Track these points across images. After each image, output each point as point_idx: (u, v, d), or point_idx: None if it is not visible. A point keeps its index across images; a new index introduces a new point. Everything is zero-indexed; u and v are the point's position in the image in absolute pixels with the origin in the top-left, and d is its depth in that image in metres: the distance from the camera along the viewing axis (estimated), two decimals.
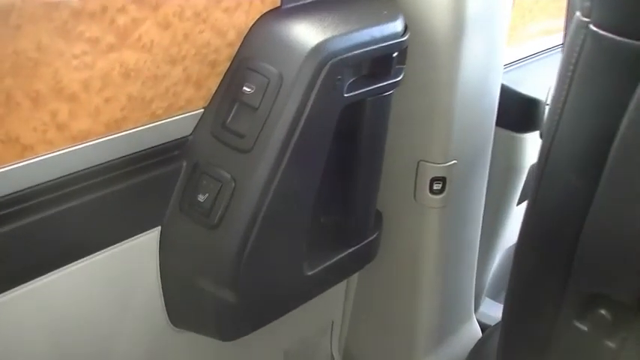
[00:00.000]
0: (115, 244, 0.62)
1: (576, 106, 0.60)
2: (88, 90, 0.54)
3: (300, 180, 0.65)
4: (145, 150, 0.61)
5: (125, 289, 0.67)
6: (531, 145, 1.02)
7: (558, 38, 1.15)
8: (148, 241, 0.66)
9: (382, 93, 0.70)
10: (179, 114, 0.62)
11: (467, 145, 0.86)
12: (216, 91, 0.63)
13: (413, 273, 0.94)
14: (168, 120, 0.61)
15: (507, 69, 0.96)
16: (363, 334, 1.05)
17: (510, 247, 1.21)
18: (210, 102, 0.64)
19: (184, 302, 0.70)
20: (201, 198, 0.63)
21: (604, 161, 0.58)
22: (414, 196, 0.87)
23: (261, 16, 0.63)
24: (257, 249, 0.64)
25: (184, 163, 0.65)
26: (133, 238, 0.64)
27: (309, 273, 0.74)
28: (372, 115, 0.71)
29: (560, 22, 1.21)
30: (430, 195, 0.86)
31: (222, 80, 0.63)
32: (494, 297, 1.31)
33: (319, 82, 0.61)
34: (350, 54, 0.63)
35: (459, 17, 0.75)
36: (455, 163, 0.85)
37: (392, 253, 0.92)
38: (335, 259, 0.78)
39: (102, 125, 0.56)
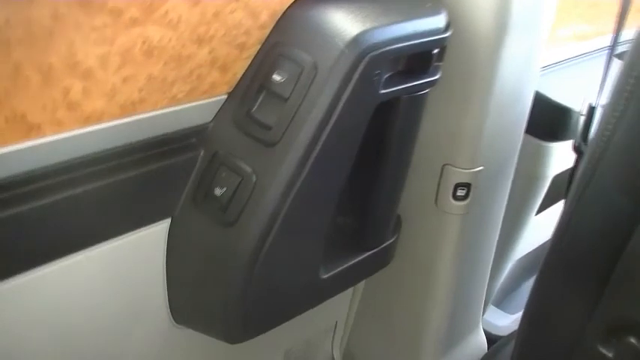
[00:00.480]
0: (122, 234, 0.57)
1: (635, 124, 0.56)
2: (106, 67, 0.48)
3: (326, 180, 0.60)
4: (160, 136, 0.56)
5: (129, 281, 0.62)
6: (558, 155, 0.97)
7: (593, 44, 1.10)
8: (157, 233, 0.61)
9: (418, 91, 0.65)
10: (201, 99, 0.56)
11: (495, 152, 0.81)
12: (242, 76, 0.58)
13: (425, 279, 0.89)
14: (189, 105, 0.56)
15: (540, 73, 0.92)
16: (366, 337, 1.01)
17: (522, 257, 1.18)
18: (235, 88, 0.58)
19: (190, 300, 0.65)
20: (217, 192, 0.58)
21: None
22: (436, 200, 0.82)
23: (297, 0, 0.57)
24: (274, 251, 0.60)
25: (202, 152, 0.60)
26: (140, 229, 0.59)
27: (324, 276, 0.70)
28: (405, 115, 0.66)
29: (597, 27, 1.16)
30: (453, 201, 0.82)
31: (250, 65, 0.58)
32: (497, 304, 1.28)
33: (356, 75, 0.56)
34: (390, 47, 0.57)
35: (503, 17, 0.69)
36: (481, 170, 0.80)
37: (405, 257, 0.87)
38: (351, 263, 0.73)
39: (117, 107, 0.50)
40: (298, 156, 0.57)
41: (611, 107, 0.58)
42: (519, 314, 1.31)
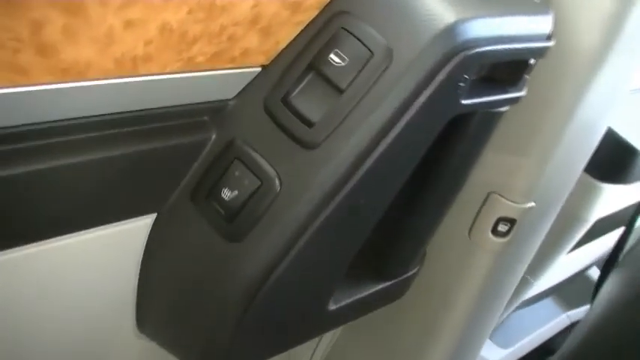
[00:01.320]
0: (93, 227, 0.43)
1: None
2: (103, 1, 0.33)
3: (369, 202, 0.46)
4: (162, 107, 0.41)
5: (93, 280, 0.47)
6: (607, 198, 0.85)
7: None
8: (135, 230, 0.46)
9: (499, 107, 0.51)
10: (226, 68, 0.41)
11: (551, 188, 0.68)
12: (286, 47, 0.43)
13: (434, 313, 0.77)
14: (209, 73, 0.41)
15: None
16: (351, 353, 0.89)
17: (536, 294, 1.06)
18: (273, 61, 0.43)
19: (164, 315, 0.51)
20: (226, 194, 0.44)
21: None
22: (470, 230, 0.69)
23: None
24: (283, 280, 0.45)
25: (213, 136, 0.45)
26: (117, 223, 0.44)
27: (332, 308, 0.56)
28: (475, 133, 0.52)
29: None
30: (491, 236, 0.68)
31: (300, 34, 0.43)
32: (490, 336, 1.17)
33: (441, 76, 0.41)
34: (489, 48, 0.43)
35: (612, 36, 0.55)
36: (532, 207, 0.67)
37: (419, 284, 0.74)
38: (365, 294, 0.59)
39: (110, 60, 0.35)
40: (342, 168, 0.42)
41: None
42: (511, 349, 1.21)
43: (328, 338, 0.88)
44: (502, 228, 0.69)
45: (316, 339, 0.86)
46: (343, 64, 0.41)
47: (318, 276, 0.50)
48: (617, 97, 0.67)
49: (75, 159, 0.38)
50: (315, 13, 0.42)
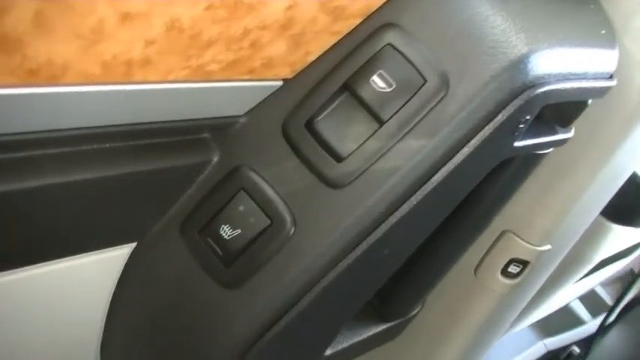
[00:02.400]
0: (62, 257, 0.34)
1: None
2: None
3: (394, 251, 0.39)
4: (155, 123, 0.33)
5: (57, 317, 0.39)
6: (615, 239, 0.79)
7: None
8: (109, 260, 0.37)
9: (546, 149, 0.44)
10: (242, 79, 0.33)
11: (569, 230, 0.62)
12: (317, 59, 0.35)
13: (431, 349, 0.70)
14: (219, 85, 0.32)
15: None
16: None
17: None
18: (300, 74, 0.35)
19: (136, 356, 0.43)
20: (226, 231, 0.35)
21: None
22: (476, 269, 0.62)
23: None
24: (282, 336, 0.38)
25: (215, 158, 0.36)
26: (89, 253, 0.35)
27: (329, 353, 0.49)
28: (513, 176, 0.45)
29: None
30: (500, 277, 0.62)
31: (335, 45, 0.34)
32: None
33: (502, 117, 0.34)
34: (559, 86, 0.36)
35: None
36: (548, 250, 0.61)
37: (419, 321, 0.67)
38: (363, 337, 0.52)
39: (97, 63, 0.27)
40: (371, 216, 0.34)
41: None
42: None
43: None
44: (513, 269, 0.62)
45: None
46: (388, 89, 0.33)
47: (320, 330, 0.42)
48: None
49: (44, 180, 0.30)
50: (358, 21, 0.34)
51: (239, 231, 0.35)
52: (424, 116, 0.33)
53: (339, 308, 0.41)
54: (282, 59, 0.33)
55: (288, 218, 0.35)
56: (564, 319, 1.26)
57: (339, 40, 0.34)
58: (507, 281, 0.63)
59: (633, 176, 0.74)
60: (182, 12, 0.27)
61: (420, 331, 0.68)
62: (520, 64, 0.33)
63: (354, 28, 0.34)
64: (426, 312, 0.66)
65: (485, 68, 0.33)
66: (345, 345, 0.50)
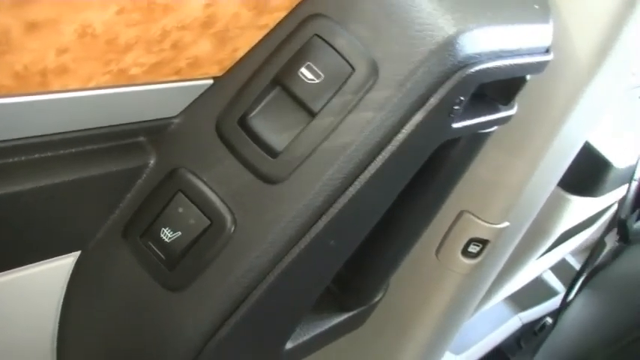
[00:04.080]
0: (5, 269, 0.34)
1: None
2: None
3: (341, 241, 0.39)
4: (86, 130, 0.32)
5: (8, 331, 0.38)
6: (574, 210, 0.80)
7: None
8: (56, 270, 0.37)
9: (489, 128, 0.44)
10: (169, 81, 0.33)
11: (526, 206, 0.63)
12: (246, 55, 0.34)
13: (401, 330, 0.71)
14: (146, 88, 0.32)
15: None
16: None
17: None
18: (229, 72, 0.35)
19: None
20: (166, 234, 0.35)
21: None
22: (437, 251, 0.63)
23: None
24: (232, 335, 0.38)
25: (151, 162, 0.36)
26: (35, 264, 0.35)
27: (289, 347, 0.49)
28: (459, 157, 0.45)
29: None
30: (461, 257, 0.63)
31: (263, 40, 0.34)
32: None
33: (434, 100, 0.34)
34: (492, 64, 0.36)
35: (605, 50, 0.49)
36: (507, 227, 0.61)
37: (384, 305, 0.68)
38: (325, 328, 0.52)
39: (9, 75, 0.26)
40: (312, 207, 0.34)
41: None
42: (464, 354, 1.18)
43: None
44: (473, 249, 0.63)
45: None
46: (317, 80, 0.33)
47: (274, 323, 0.42)
48: (604, 111, 0.62)
49: None
50: (284, 14, 0.34)
51: (179, 233, 0.35)
52: (355, 105, 0.33)
53: (292, 301, 0.41)
54: (209, 58, 0.33)
55: (227, 217, 0.35)
56: (538, 291, 1.28)
57: (267, 34, 0.34)
58: (468, 261, 0.63)
59: (587, 146, 0.75)
60: (93, 17, 0.26)
61: (386, 318, 0.68)
62: (448, 45, 0.33)
63: (280, 21, 0.34)
64: (390, 297, 0.66)
65: (413, 53, 0.33)
66: (306, 337, 0.50)
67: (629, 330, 0.49)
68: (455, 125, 0.38)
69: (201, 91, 0.35)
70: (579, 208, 0.78)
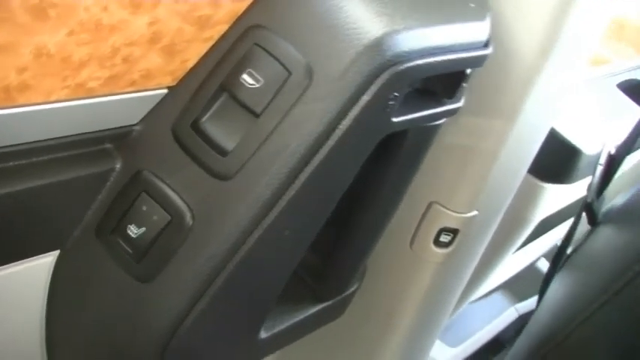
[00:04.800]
0: None
1: None
2: None
3: (294, 233, 0.42)
4: (56, 139, 0.36)
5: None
6: (550, 198, 0.83)
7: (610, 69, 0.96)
8: (38, 269, 0.41)
9: (435, 121, 0.48)
10: (126, 92, 0.36)
11: (494, 195, 0.65)
12: (195, 65, 0.38)
13: (382, 323, 0.74)
14: (106, 99, 0.36)
15: None
16: None
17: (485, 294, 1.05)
18: (181, 81, 0.38)
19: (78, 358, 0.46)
20: (132, 230, 0.39)
21: None
22: (411, 243, 0.66)
23: None
24: (201, 320, 0.41)
25: (117, 166, 0.40)
26: (16, 263, 0.39)
27: (264, 336, 0.52)
28: (409, 150, 0.48)
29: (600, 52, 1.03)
30: (433, 247, 0.66)
31: (210, 51, 0.38)
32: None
33: (367, 96, 0.37)
34: (421, 61, 0.39)
35: (550, 40, 0.52)
36: (475, 215, 0.64)
37: (364, 297, 0.71)
38: (299, 319, 0.56)
39: None
40: (260, 200, 0.38)
41: None
42: (460, 348, 1.20)
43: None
44: (444, 238, 0.66)
45: None
46: (257, 85, 0.37)
47: (242, 311, 0.46)
48: (561, 99, 0.65)
49: None
50: (227, 27, 0.38)
51: (144, 229, 0.39)
52: (293, 105, 0.37)
53: (257, 289, 0.44)
54: (161, 69, 0.37)
55: (186, 213, 0.38)
56: (534, 282, 1.30)
57: (213, 46, 0.38)
58: (441, 250, 0.66)
59: (558, 135, 0.78)
60: (46, 40, 0.30)
61: (368, 309, 0.72)
62: (375, 46, 0.36)
63: (224, 33, 0.38)
64: (370, 289, 0.69)
65: (343, 55, 0.36)
66: (282, 327, 0.54)
67: (590, 304, 0.51)
68: (395, 119, 0.41)
69: (158, 99, 0.39)
70: (554, 195, 0.81)
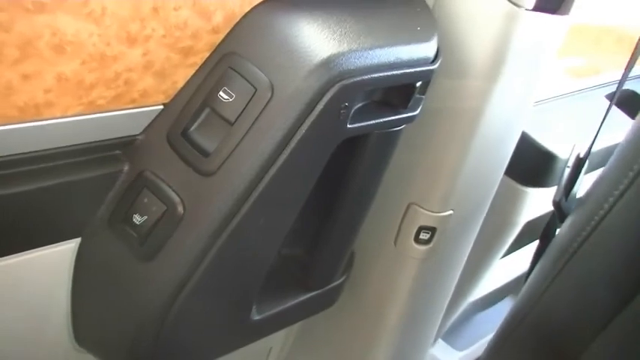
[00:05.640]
0: (23, 251, 0.48)
1: (632, 209, 0.48)
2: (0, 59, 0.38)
3: (268, 221, 0.51)
4: (77, 145, 0.46)
5: (28, 301, 0.52)
6: (534, 201, 0.90)
7: (586, 82, 1.03)
8: (63, 252, 0.51)
9: (392, 127, 0.56)
10: (129, 108, 0.46)
11: (469, 195, 0.73)
12: (184, 86, 0.48)
13: (374, 319, 0.81)
14: (113, 114, 0.46)
15: None
16: None
17: (480, 297, 1.11)
18: (173, 99, 0.48)
19: (97, 328, 0.56)
20: (137, 219, 0.49)
21: None
22: (395, 241, 0.74)
23: (262, 2, 0.47)
24: (197, 293, 0.50)
25: (125, 168, 0.50)
26: (46, 247, 0.49)
27: (256, 318, 0.61)
28: (373, 152, 0.57)
29: (592, 63, 1.09)
30: (414, 244, 0.73)
31: (194, 74, 0.48)
32: (445, 338, 1.21)
33: (320, 106, 0.46)
34: (367, 77, 0.48)
35: (501, 48, 0.60)
36: (451, 214, 0.72)
37: (354, 293, 0.79)
38: (290, 304, 0.64)
39: (13, 108, 0.40)
40: (238, 193, 0.47)
41: (611, 183, 0.50)
42: (467, 351, 1.25)
43: (277, 353, 0.92)
44: (424, 236, 0.74)
45: (266, 353, 0.91)
46: (231, 100, 0.46)
47: (232, 289, 0.54)
48: (526, 105, 0.72)
49: (8, 190, 0.43)
50: (207, 55, 0.47)
51: (146, 217, 0.48)
52: (259, 115, 0.46)
53: (242, 268, 0.53)
54: (155, 89, 0.46)
55: (178, 203, 0.48)
56: None
57: (198, 69, 0.48)
58: (421, 247, 0.74)
59: (529, 139, 0.85)
60: (65, 68, 0.41)
61: (358, 303, 0.79)
62: (323, 65, 0.45)
63: (205, 60, 0.47)
64: (359, 285, 0.77)
65: (298, 73, 0.46)
66: (272, 311, 0.62)
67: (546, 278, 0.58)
68: (350, 125, 0.50)
69: (155, 114, 0.48)
70: (536, 199, 0.87)
